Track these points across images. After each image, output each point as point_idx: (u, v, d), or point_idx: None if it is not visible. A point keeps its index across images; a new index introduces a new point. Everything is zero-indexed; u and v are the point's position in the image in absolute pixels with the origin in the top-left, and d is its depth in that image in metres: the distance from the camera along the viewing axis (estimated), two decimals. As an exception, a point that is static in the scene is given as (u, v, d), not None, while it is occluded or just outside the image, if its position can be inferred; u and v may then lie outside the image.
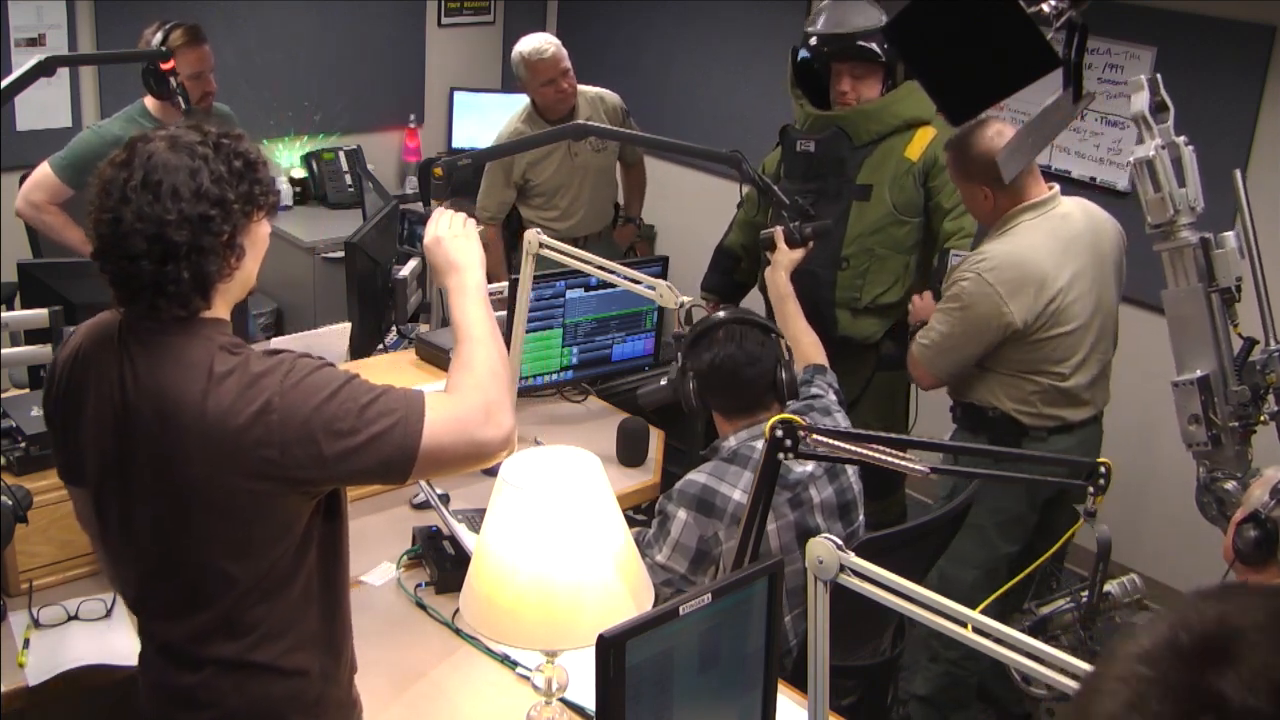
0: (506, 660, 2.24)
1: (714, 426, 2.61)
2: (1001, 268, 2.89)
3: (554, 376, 3.36)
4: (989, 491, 2.89)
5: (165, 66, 3.45)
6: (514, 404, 1.78)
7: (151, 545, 1.68)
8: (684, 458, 3.04)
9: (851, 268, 3.44)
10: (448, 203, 2.52)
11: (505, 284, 3.31)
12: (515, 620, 1.78)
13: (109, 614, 2.29)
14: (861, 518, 2.61)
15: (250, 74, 5.10)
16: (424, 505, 2.76)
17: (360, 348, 3.33)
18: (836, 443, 1.91)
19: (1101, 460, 1.94)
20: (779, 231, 3.07)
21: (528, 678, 2.07)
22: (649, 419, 3.16)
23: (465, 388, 1.71)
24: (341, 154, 5.46)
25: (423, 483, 2.65)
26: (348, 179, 5.42)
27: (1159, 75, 2.44)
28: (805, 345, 2.91)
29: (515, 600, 1.77)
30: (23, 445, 2.41)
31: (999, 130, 2.93)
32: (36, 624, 2.27)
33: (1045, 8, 1.80)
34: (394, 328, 3.64)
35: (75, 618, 2.29)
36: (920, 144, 3.39)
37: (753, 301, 3.67)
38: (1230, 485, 2.42)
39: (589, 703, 1.98)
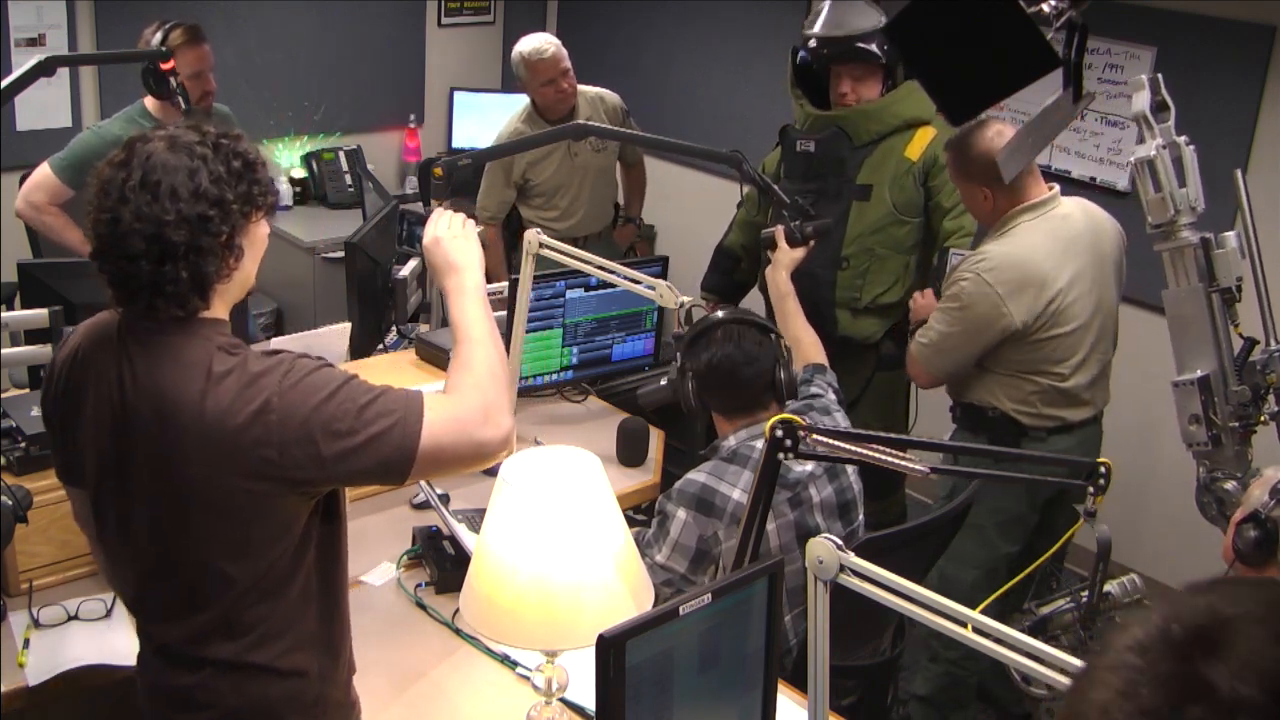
0: (506, 660, 2.24)
1: (714, 426, 2.61)
2: (1001, 268, 2.89)
3: (554, 376, 3.36)
4: (989, 491, 2.89)
5: (165, 66, 3.45)
6: (513, 404, 1.79)
7: (150, 545, 1.68)
8: (684, 458, 3.03)
9: (851, 268, 3.44)
10: (447, 203, 2.52)
11: (505, 284, 3.31)
12: (515, 620, 1.78)
13: (109, 614, 2.29)
14: (861, 517, 2.61)
15: (250, 74, 5.10)
16: (424, 505, 2.76)
17: (360, 348, 3.33)
18: (836, 443, 1.91)
19: (1101, 460, 1.94)
20: (780, 231, 3.07)
21: (528, 678, 2.07)
22: (649, 419, 3.16)
23: (464, 388, 1.71)
24: (341, 154, 5.46)
25: (423, 483, 2.65)
26: (348, 179, 5.42)
27: (1160, 75, 2.44)
28: (805, 345, 2.91)
29: (515, 600, 1.77)
30: (23, 445, 2.41)
31: (999, 131, 2.93)
32: (36, 624, 2.27)
33: (1045, 8, 1.80)
34: (394, 328, 3.64)
35: (75, 618, 2.29)
36: (920, 144, 3.39)
37: (753, 301, 3.67)
38: (1230, 485, 2.42)
39: (589, 703, 1.98)
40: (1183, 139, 2.43)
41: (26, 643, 2.22)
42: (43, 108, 4.54)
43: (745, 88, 5.09)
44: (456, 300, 1.84)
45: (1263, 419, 2.44)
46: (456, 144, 5.77)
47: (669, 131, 3.85)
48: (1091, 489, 1.95)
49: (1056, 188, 3.01)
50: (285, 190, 5.34)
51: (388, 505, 2.78)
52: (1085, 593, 2.03)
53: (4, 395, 2.63)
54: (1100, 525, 1.94)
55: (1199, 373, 2.43)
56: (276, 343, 2.79)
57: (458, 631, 2.33)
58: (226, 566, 1.65)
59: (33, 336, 2.72)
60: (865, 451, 1.87)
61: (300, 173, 5.46)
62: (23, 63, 3.02)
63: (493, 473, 1.88)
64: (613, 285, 3.06)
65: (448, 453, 1.65)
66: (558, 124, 4.10)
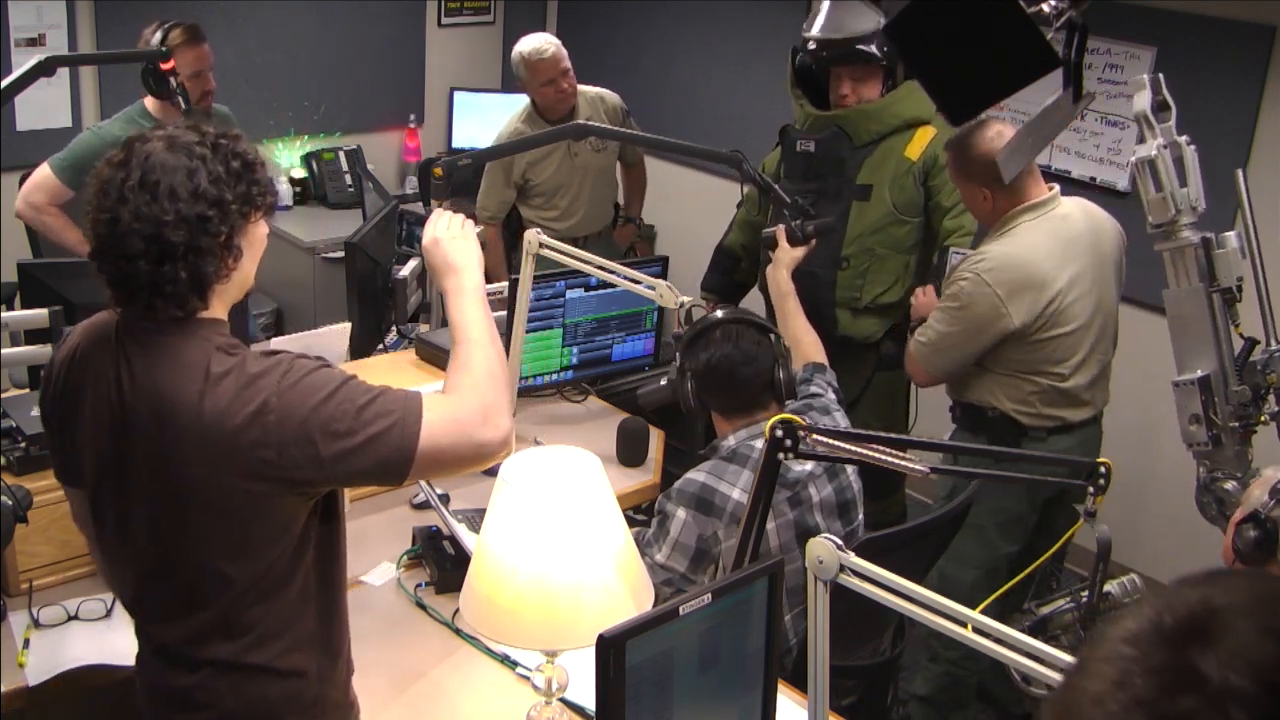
0: (506, 660, 2.24)
1: (713, 426, 2.61)
2: (1000, 269, 2.89)
3: (554, 376, 3.36)
4: (989, 491, 2.89)
5: (165, 66, 3.45)
6: (513, 405, 1.78)
7: (148, 546, 1.68)
8: (684, 458, 3.04)
9: (852, 268, 3.44)
10: (447, 203, 2.52)
11: (505, 284, 3.31)
12: (515, 620, 1.78)
13: (109, 614, 2.29)
14: (861, 516, 2.61)
15: (250, 74, 5.10)
16: (424, 505, 2.76)
17: (360, 348, 3.33)
18: (836, 443, 1.91)
19: (1101, 460, 1.94)
20: (781, 230, 3.07)
21: (528, 678, 2.07)
22: (649, 419, 3.16)
23: (463, 389, 1.71)
24: (341, 154, 5.46)
25: (423, 483, 2.65)
26: (348, 179, 5.42)
27: (1161, 75, 2.44)
28: (805, 344, 2.91)
29: (515, 600, 1.77)
30: (23, 445, 2.41)
31: (999, 131, 2.92)
32: (36, 624, 2.27)
33: (1045, 8, 1.80)
34: (394, 328, 3.64)
35: (75, 618, 2.29)
36: (920, 143, 3.39)
37: (753, 301, 3.67)
38: (1230, 485, 2.41)
39: (589, 703, 1.98)
40: (1184, 139, 2.43)
41: (26, 643, 2.22)
42: (43, 108, 4.54)
43: (745, 88, 5.09)
44: (455, 301, 1.84)
45: (1263, 419, 2.44)
46: (456, 144, 5.77)
47: (669, 131, 3.85)
48: (1091, 489, 1.95)
49: (1056, 188, 3.01)
50: (285, 190, 5.34)
51: (388, 505, 2.78)
52: (1085, 593, 2.03)
53: (4, 395, 2.64)
54: (1100, 525, 1.94)
55: (1199, 373, 2.43)
56: (276, 343, 2.79)
57: (458, 631, 2.32)
58: (225, 567, 1.65)
59: (33, 336, 2.72)
60: (865, 451, 1.87)
61: (300, 173, 5.46)
62: (23, 63, 3.02)
63: (493, 473, 1.88)
64: (613, 285, 3.06)
65: (446, 453, 1.65)
66: (558, 124, 4.10)
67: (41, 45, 4.54)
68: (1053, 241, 2.93)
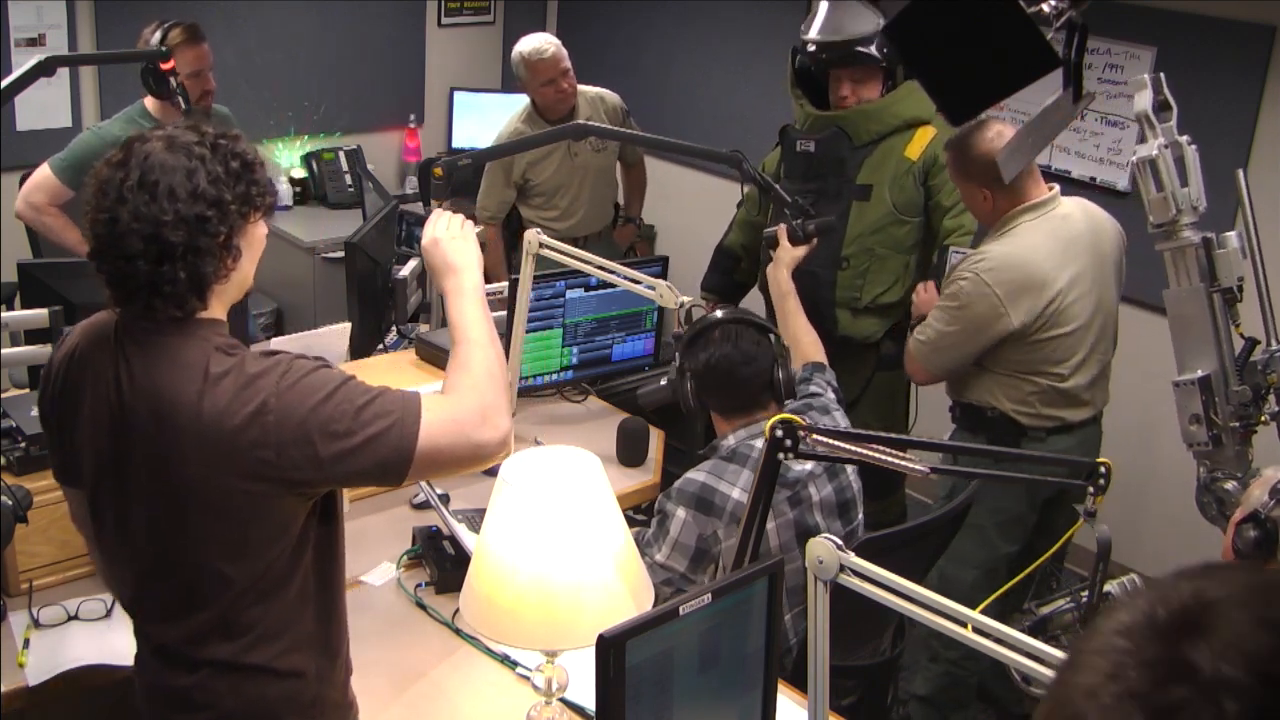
0: (506, 660, 2.24)
1: (713, 426, 2.61)
2: (1000, 269, 2.89)
3: (554, 376, 3.36)
4: (988, 491, 2.89)
5: (165, 66, 3.45)
6: (513, 405, 1.79)
7: (147, 546, 1.68)
8: (684, 458, 3.04)
9: (852, 268, 3.44)
10: (446, 204, 2.52)
11: (505, 284, 3.31)
12: (515, 620, 1.78)
13: (109, 614, 2.29)
14: (861, 516, 2.61)
15: (250, 74, 5.10)
16: (424, 505, 2.76)
17: (360, 348, 3.33)
18: (836, 443, 1.91)
19: (1101, 460, 1.94)
20: (782, 229, 3.07)
21: (528, 678, 2.07)
22: (649, 419, 3.16)
23: (462, 389, 1.71)
24: (341, 154, 5.46)
25: (423, 483, 2.65)
26: (348, 179, 5.42)
27: (1162, 74, 2.43)
28: (805, 344, 2.91)
29: (515, 600, 1.77)
30: (23, 445, 2.41)
31: (999, 132, 2.92)
32: (36, 624, 2.27)
33: (1045, 8, 1.80)
34: (394, 328, 3.64)
35: (75, 618, 2.29)
36: (920, 143, 3.39)
37: (753, 301, 3.67)
38: (1230, 485, 2.41)
39: (589, 703, 1.98)
40: (1184, 138, 2.43)
41: (26, 643, 2.22)
42: (43, 108, 4.54)
43: (745, 88, 5.09)
44: (455, 301, 1.84)
45: (1263, 419, 2.44)
46: (456, 144, 5.77)
47: (669, 131, 3.85)
48: (1091, 489, 1.95)
49: (1056, 188, 3.01)
50: (285, 190, 5.34)
51: (388, 505, 2.78)
52: (1085, 593, 2.03)
53: (4, 395, 2.63)
54: (1100, 525, 1.94)
55: (1200, 372, 2.43)
56: (276, 343, 2.79)
57: (458, 631, 2.32)
58: (224, 567, 1.65)
59: (33, 336, 2.72)
60: (865, 451, 1.87)
61: (300, 173, 5.46)
62: (23, 63, 3.02)
63: (493, 473, 1.88)
64: (613, 285, 3.06)
65: (445, 454, 1.65)
66: (558, 124, 4.10)
67: (41, 45, 4.54)
68: (1053, 242, 2.93)
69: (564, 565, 1.76)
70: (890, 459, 1.85)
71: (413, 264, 3.54)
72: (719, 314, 2.60)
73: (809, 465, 2.49)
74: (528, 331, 3.07)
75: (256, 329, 4.57)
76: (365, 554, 2.53)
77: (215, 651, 1.69)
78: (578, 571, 1.76)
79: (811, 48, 3.42)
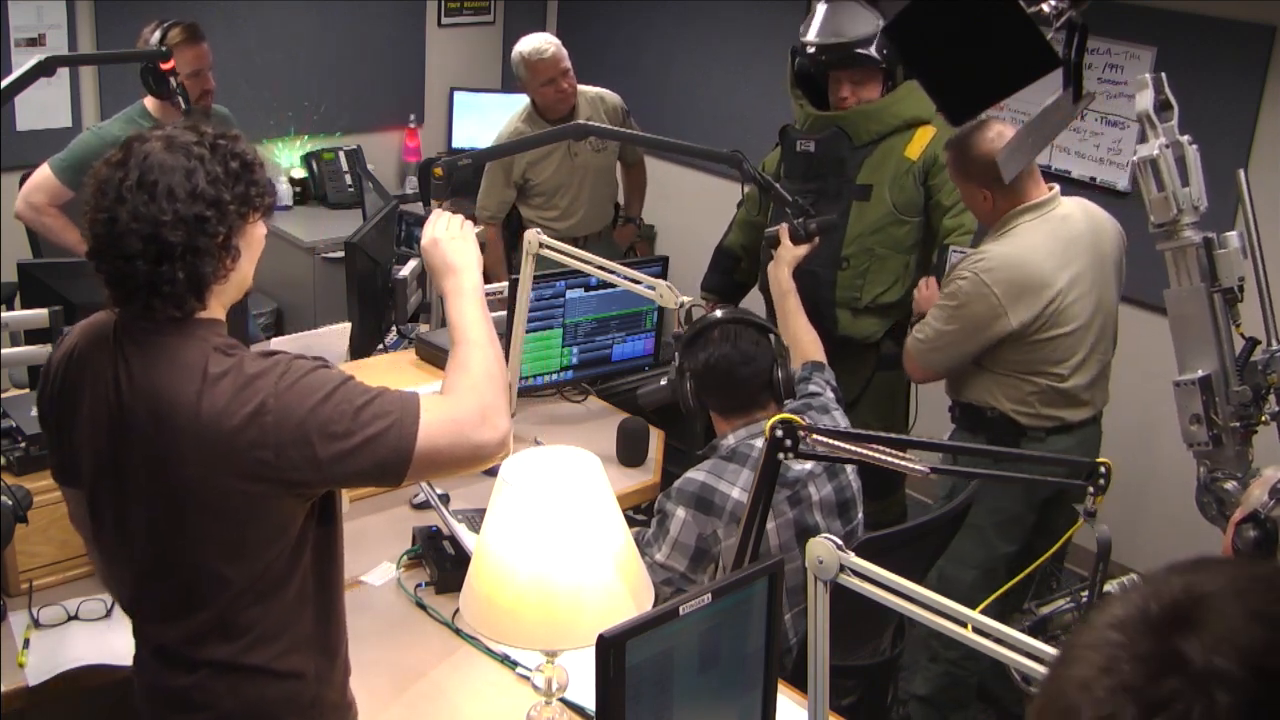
0: (506, 660, 2.24)
1: (713, 426, 2.61)
2: (999, 269, 2.88)
3: (554, 376, 3.36)
4: (987, 491, 2.89)
5: (165, 67, 3.44)
6: (513, 405, 1.78)
7: (146, 546, 1.68)
8: (684, 458, 3.03)
9: (852, 268, 3.44)
10: (446, 204, 2.52)
11: (505, 284, 3.31)
12: (515, 620, 1.78)
13: (109, 614, 2.29)
14: (860, 515, 2.61)
15: (250, 74, 5.10)
16: (424, 505, 2.76)
17: (360, 348, 3.33)
18: (836, 443, 1.91)
19: (1101, 460, 1.94)
20: (784, 228, 3.07)
21: (528, 678, 2.07)
22: (649, 419, 3.16)
23: (461, 390, 1.71)
24: (341, 154, 5.46)
25: (423, 483, 2.65)
26: (348, 179, 5.42)
27: (1164, 74, 2.43)
28: (805, 342, 2.92)
29: (515, 600, 1.77)
30: (23, 445, 2.41)
31: (999, 132, 2.92)
32: (36, 624, 2.27)
33: (1045, 8, 1.80)
34: (394, 328, 3.64)
35: (75, 618, 2.29)
36: (920, 143, 3.39)
37: (753, 302, 3.67)
38: (1230, 485, 2.41)
39: (589, 703, 1.98)
40: (1186, 138, 2.43)
41: (26, 643, 2.22)
42: (43, 108, 4.54)
43: (745, 88, 5.09)
44: (454, 302, 1.84)
45: (1264, 419, 2.44)
46: (456, 144, 5.77)
47: (669, 131, 3.85)
48: (1091, 489, 1.95)
49: (1056, 188, 3.01)
50: (285, 190, 5.34)
51: (388, 505, 2.78)
52: (1085, 593, 2.03)
53: (4, 395, 2.63)
54: (1100, 525, 1.94)
55: (1200, 372, 2.43)
56: (276, 343, 2.79)
57: (458, 631, 2.32)
58: (222, 568, 1.65)
59: (33, 336, 2.72)
60: (865, 451, 1.87)
61: (300, 173, 5.46)
62: (23, 63, 3.02)
63: (493, 473, 1.88)
64: (613, 285, 3.06)
65: (444, 454, 1.65)
66: (558, 124, 4.10)
67: (41, 45, 4.54)
68: (1052, 242, 2.93)
69: (564, 565, 1.76)
70: (890, 459, 1.85)
71: (413, 264, 3.54)
72: (718, 314, 2.60)
73: (809, 465, 2.49)
74: (528, 331, 3.07)
75: (256, 329, 4.56)
76: (365, 554, 2.53)
77: (214, 652, 1.69)
78: (578, 571, 1.76)
79: (811, 50, 3.41)
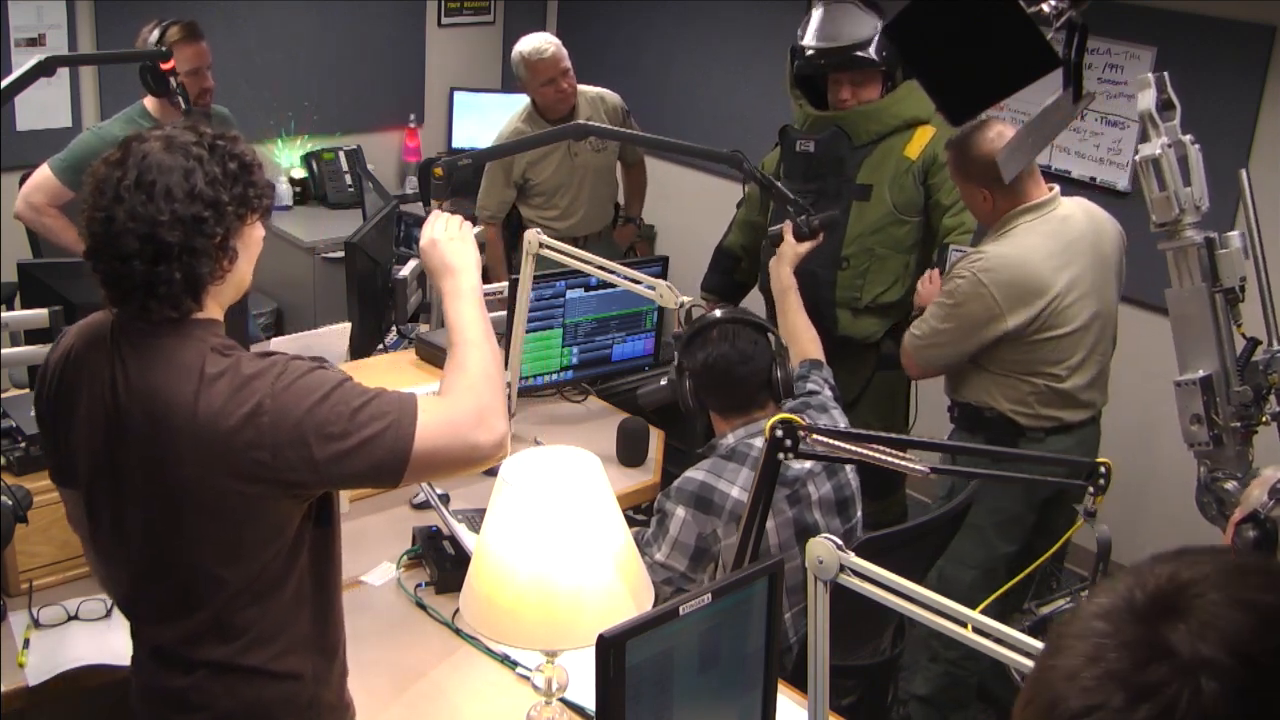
0: (506, 660, 2.24)
1: (713, 426, 2.61)
2: (997, 269, 2.88)
3: (554, 376, 3.36)
4: (987, 491, 2.89)
5: (165, 66, 3.44)
6: (511, 407, 1.78)
7: (143, 547, 1.68)
8: (684, 458, 3.03)
9: (852, 267, 3.44)
10: (446, 204, 2.52)
11: (505, 284, 3.31)
12: (515, 620, 1.77)
13: (109, 614, 2.29)
14: (860, 513, 2.61)
15: (250, 74, 5.10)
16: (424, 505, 2.76)
17: (360, 348, 3.33)
18: (836, 442, 1.90)
19: (1101, 460, 1.94)
20: (787, 225, 3.07)
21: (528, 678, 2.07)
22: (649, 419, 3.16)
23: (458, 391, 1.71)
24: (341, 154, 5.46)
25: (423, 483, 2.65)
26: (348, 179, 5.42)
27: (1166, 73, 2.43)
28: (804, 340, 2.92)
29: (515, 600, 1.76)
30: (23, 445, 2.41)
31: (1000, 133, 2.92)
32: (36, 624, 2.26)
33: (1045, 8, 1.80)
34: (394, 328, 3.64)
35: (75, 618, 2.29)
36: (920, 143, 3.39)
37: (753, 302, 3.67)
38: (1231, 485, 2.41)
39: (589, 703, 1.98)
40: (1188, 138, 2.43)
41: (26, 643, 2.22)
42: (43, 108, 4.54)
43: (745, 88, 5.09)
44: (452, 302, 1.83)
45: (1264, 419, 2.43)
46: (456, 144, 5.77)
47: (669, 131, 3.85)
48: (1091, 489, 1.95)
49: (1057, 189, 3.01)
50: (285, 190, 5.34)
51: (388, 505, 2.78)
52: (1085, 593, 2.03)
53: (4, 395, 2.63)
54: (1100, 525, 1.94)
55: (1201, 372, 2.42)
56: (276, 343, 2.79)
57: (458, 631, 2.32)
58: (219, 568, 1.64)
59: (33, 336, 2.72)
60: (865, 451, 1.87)
61: (300, 173, 5.46)
62: (23, 63, 3.02)
63: (493, 473, 1.88)
64: (613, 285, 3.06)
65: (441, 456, 1.65)
66: (558, 124, 4.10)
67: (41, 45, 4.54)
68: (1052, 243, 2.93)
69: (564, 565, 1.76)
70: (890, 459, 1.85)
71: (412, 264, 3.54)
72: (717, 313, 2.60)
73: (808, 463, 2.49)
74: (528, 331, 3.07)
75: (256, 329, 4.57)
76: (365, 554, 2.53)
77: (211, 653, 1.68)
78: (578, 572, 1.76)
79: (809, 53, 3.41)
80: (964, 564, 3.06)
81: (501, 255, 4.36)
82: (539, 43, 4.14)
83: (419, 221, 3.09)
